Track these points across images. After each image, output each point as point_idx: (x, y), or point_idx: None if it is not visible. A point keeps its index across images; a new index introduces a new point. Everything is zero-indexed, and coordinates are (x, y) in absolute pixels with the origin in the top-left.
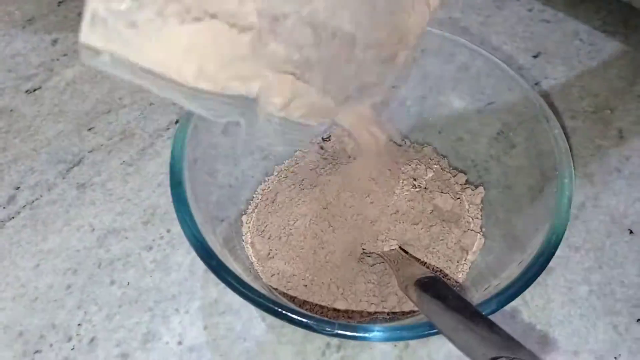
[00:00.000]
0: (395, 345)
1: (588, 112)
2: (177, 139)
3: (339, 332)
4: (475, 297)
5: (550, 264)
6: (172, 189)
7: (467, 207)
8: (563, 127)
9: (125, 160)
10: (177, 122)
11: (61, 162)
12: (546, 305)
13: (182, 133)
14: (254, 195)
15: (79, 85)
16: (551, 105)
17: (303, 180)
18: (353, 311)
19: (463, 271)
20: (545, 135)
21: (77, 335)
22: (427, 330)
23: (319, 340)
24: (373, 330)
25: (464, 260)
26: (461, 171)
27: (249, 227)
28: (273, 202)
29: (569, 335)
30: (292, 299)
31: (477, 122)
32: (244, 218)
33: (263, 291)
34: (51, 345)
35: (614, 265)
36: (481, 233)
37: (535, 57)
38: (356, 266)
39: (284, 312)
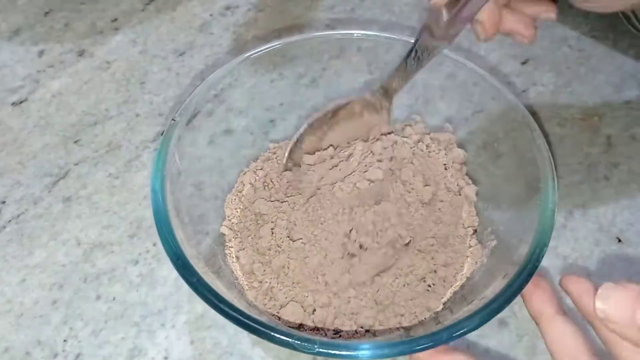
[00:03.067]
0: None
1: (576, 119)
2: (160, 154)
3: (321, 350)
4: (465, 309)
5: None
6: (153, 207)
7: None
8: (551, 135)
9: (112, 172)
10: (163, 132)
11: (47, 175)
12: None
13: (165, 146)
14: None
15: (65, 96)
16: (539, 113)
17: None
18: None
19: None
20: (529, 145)
21: (63, 351)
22: (413, 346)
23: (306, 355)
24: (356, 348)
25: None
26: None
27: (233, 241)
28: (257, 214)
29: None
30: (277, 315)
31: (465, 130)
32: (229, 232)
33: (244, 308)
34: None
35: (601, 274)
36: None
37: (523, 63)
38: (346, 278)
39: (264, 330)
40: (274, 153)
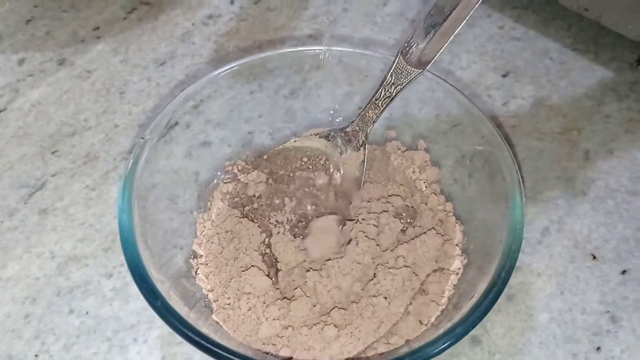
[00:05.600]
0: None
1: (555, 133)
2: (128, 174)
3: None
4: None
5: (512, 290)
6: (119, 228)
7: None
8: (530, 149)
9: (89, 184)
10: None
11: (23, 186)
12: (506, 333)
13: (133, 166)
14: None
15: (44, 106)
16: (519, 126)
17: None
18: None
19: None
20: (498, 164)
21: None
22: None
23: None
24: None
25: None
26: None
27: (202, 257)
28: (227, 232)
29: None
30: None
31: (442, 144)
32: (199, 248)
33: (210, 332)
34: None
35: (575, 291)
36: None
37: (504, 76)
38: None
39: (227, 355)
40: (249, 166)
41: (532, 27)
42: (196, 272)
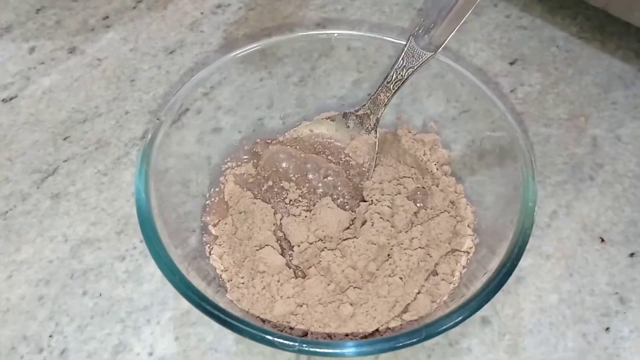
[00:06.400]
0: None
1: (562, 120)
2: (144, 154)
3: (302, 348)
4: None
5: (521, 272)
6: (137, 206)
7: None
8: (538, 135)
9: (100, 169)
10: None
11: (36, 171)
12: (516, 315)
13: (149, 146)
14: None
15: (56, 93)
16: (526, 113)
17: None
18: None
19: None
20: (510, 145)
21: (49, 346)
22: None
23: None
24: (337, 346)
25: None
26: None
27: (217, 238)
28: (241, 213)
29: (538, 344)
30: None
31: (451, 129)
32: (214, 229)
33: (226, 306)
34: (22, 357)
35: (584, 273)
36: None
37: (511, 64)
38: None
39: (245, 328)
40: (261, 150)
41: (539, 15)
42: (210, 252)
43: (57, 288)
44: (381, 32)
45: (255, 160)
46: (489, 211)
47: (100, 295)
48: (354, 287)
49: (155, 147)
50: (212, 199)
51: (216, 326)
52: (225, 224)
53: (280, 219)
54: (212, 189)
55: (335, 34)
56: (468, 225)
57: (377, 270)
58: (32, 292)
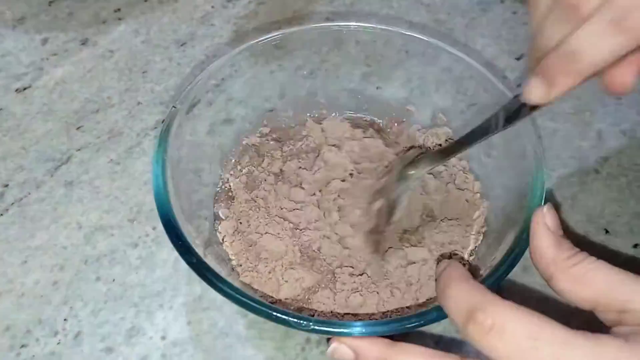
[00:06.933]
0: None
1: (568, 114)
2: (161, 140)
3: (316, 327)
4: None
5: (528, 262)
6: (154, 189)
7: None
8: (543, 128)
9: (113, 158)
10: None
11: (49, 160)
12: (522, 304)
13: (166, 132)
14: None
15: (68, 84)
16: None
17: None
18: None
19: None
20: (519, 138)
21: (63, 330)
22: (405, 325)
23: (299, 336)
24: (351, 326)
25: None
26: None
27: (229, 225)
28: (251, 200)
29: None
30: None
31: (459, 123)
32: (225, 213)
33: (241, 288)
34: (37, 339)
35: None
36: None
37: (518, 59)
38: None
39: (261, 308)
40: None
41: None
42: (223, 239)
43: (71, 273)
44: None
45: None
46: (499, 201)
47: (114, 280)
48: (365, 276)
49: (171, 134)
50: (223, 186)
51: (228, 311)
52: (234, 212)
53: (290, 205)
54: (225, 177)
55: (352, 26)
56: (476, 219)
57: (386, 262)
58: (46, 277)
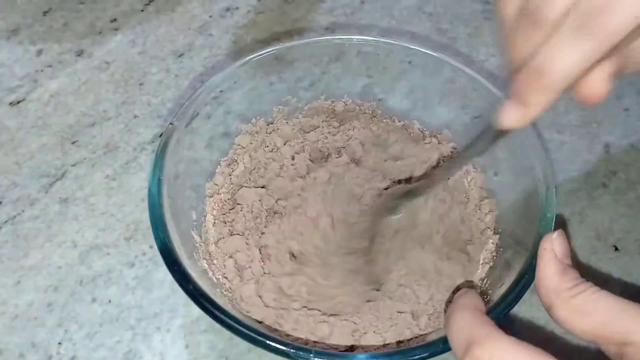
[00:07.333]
0: None
1: (574, 126)
2: (157, 159)
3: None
4: None
5: None
6: (149, 211)
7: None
8: (550, 141)
9: (109, 174)
10: (161, 135)
11: (44, 176)
12: (531, 325)
13: (162, 151)
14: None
15: (63, 97)
16: (538, 119)
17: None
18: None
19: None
20: (526, 153)
21: (58, 354)
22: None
23: None
24: (353, 358)
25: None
26: None
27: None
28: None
29: (553, 353)
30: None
31: (464, 136)
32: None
33: (240, 316)
34: None
35: (598, 282)
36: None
37: None
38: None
39: (259, 338)
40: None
41: None
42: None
43: (66, 294)
44: (392, 37)
45: None
46: (504, 221)
47: (110, 301)
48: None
49: (168, 151)
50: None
51: (227, 334)
52: (217, 229)
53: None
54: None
55: (354, 40)
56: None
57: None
58: (40, 298)
